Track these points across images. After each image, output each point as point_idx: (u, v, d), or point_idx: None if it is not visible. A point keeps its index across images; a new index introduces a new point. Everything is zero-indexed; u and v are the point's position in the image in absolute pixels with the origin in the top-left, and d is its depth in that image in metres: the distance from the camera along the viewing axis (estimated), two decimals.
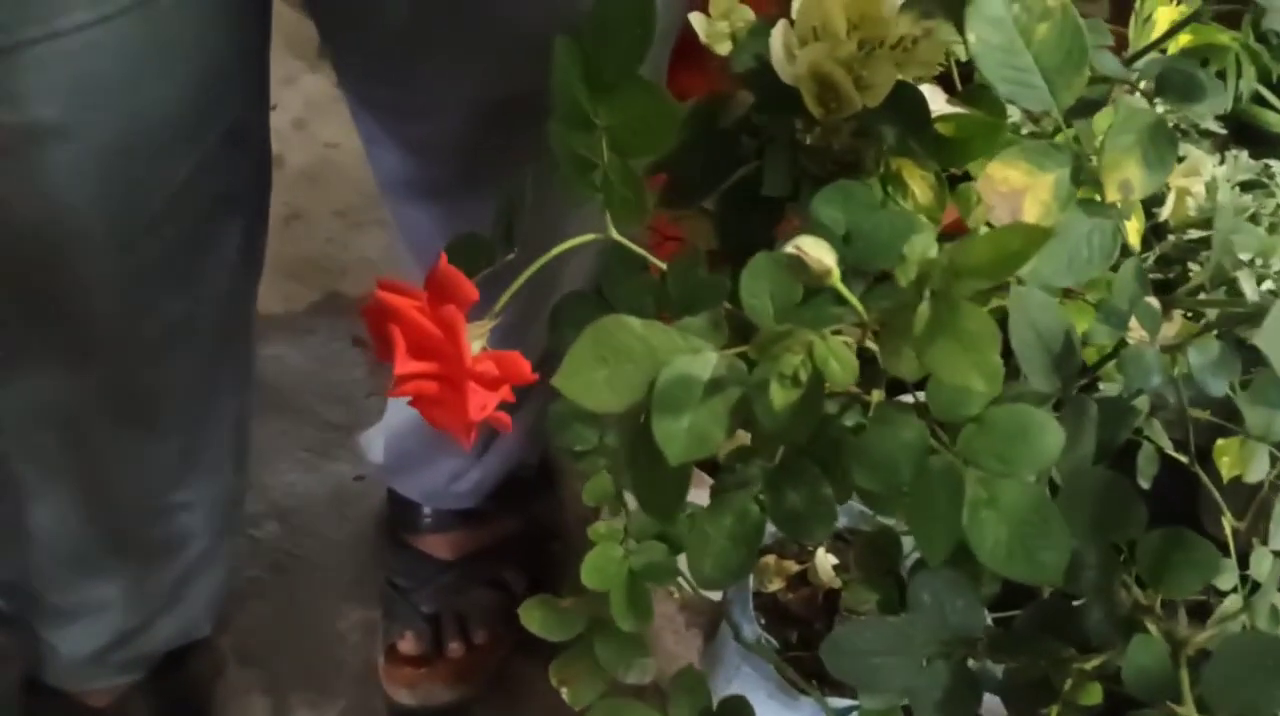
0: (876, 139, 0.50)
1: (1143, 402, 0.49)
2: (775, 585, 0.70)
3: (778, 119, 0.49)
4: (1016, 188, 0.43)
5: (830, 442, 0.41)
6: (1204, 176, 0.65)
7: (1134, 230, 0.57)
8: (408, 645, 0.94)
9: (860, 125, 0.50)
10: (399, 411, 0.94)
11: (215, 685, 0.93)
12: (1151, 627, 0.40)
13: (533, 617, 0.49)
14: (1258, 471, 0.42)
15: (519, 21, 0.58)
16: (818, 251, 0.31)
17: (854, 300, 0.32)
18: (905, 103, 0.50)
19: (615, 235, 0.43)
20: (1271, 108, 0.69)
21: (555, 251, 0.42)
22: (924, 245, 0.32)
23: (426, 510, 0.97)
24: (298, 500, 1.03)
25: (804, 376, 0.32)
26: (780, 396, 0.32)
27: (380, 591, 0.97)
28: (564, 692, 0.50)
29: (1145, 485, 0.48)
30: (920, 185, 0.53)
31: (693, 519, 0.44)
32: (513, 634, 0.88)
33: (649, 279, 0.42)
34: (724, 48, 0.54)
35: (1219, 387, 0.37)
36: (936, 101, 0.54)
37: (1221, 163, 0.71)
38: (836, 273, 0.32)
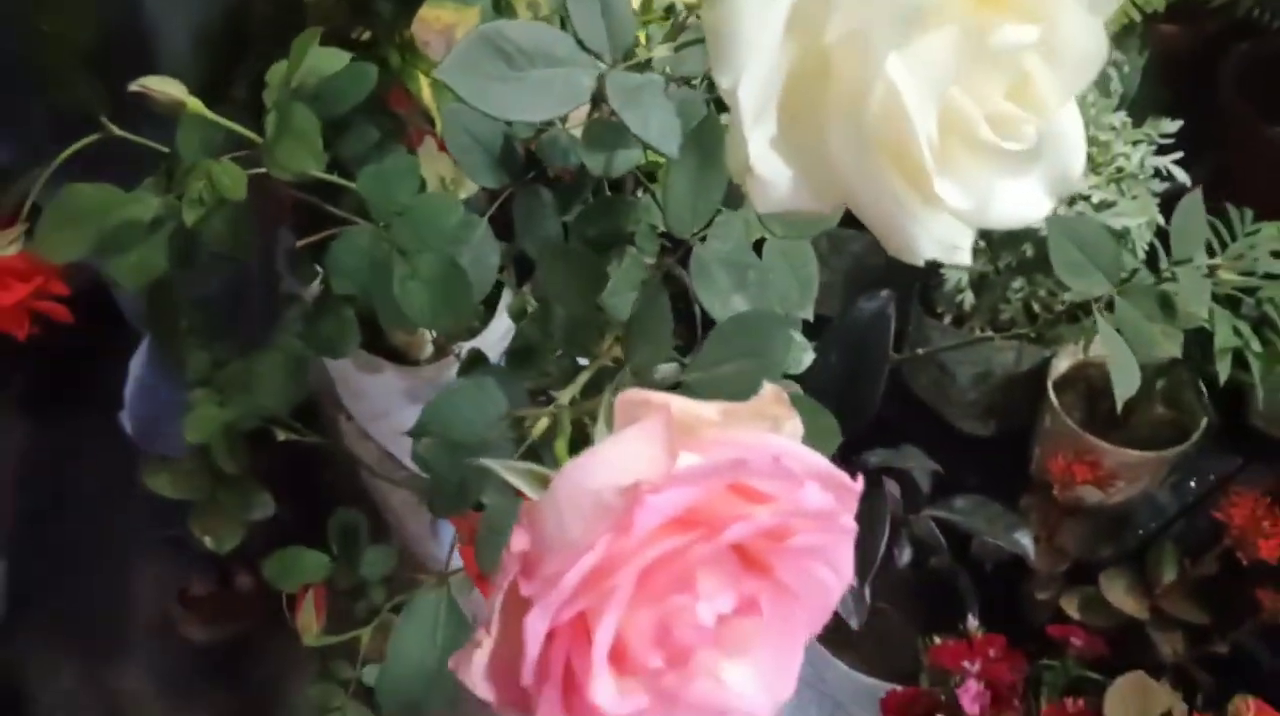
0: (376, 14, 0.57)
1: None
2: None
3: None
4: (449, 23, 0.50)
5: None
6: None
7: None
8: (198, 587, 1.00)
9: (354, 4, 0.56)
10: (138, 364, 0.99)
11: None
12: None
13: (158, 481, 0.56)
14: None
15: None
16: (164, 87, 0.38)
17: (229, 124, 0.40)
18: None
19: None
20: None
21: None
22: (280, 71, 0.39)
23: None
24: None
25: (208, 197, 0.39)
26: (190, 214, 0.39)
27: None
28: (207, 542, 0.57)
29: (651, 261, 0.56)
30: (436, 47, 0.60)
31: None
32: None
33: None
34: None
35: (593, 161, 0.45)
36: None
37: None
38: (193, 102, 0.38)
